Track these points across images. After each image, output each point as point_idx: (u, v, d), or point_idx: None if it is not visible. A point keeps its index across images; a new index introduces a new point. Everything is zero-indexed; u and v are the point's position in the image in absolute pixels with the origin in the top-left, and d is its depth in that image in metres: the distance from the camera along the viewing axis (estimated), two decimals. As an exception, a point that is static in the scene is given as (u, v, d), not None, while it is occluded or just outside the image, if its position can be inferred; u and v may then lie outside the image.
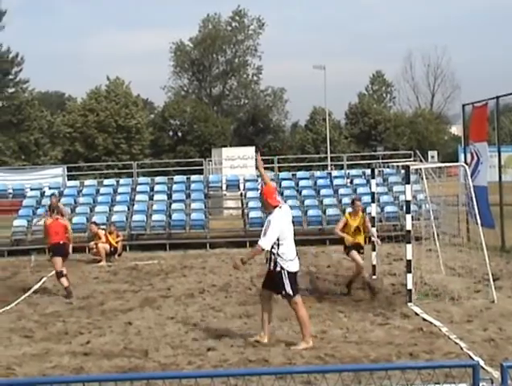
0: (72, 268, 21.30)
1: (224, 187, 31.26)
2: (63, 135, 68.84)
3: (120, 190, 29.82)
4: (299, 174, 31.58)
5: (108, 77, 72.17)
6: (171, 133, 77.30)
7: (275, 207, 11.55)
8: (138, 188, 29.90)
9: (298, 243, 22.60)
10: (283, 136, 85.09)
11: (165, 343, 11.90)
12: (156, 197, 29.16)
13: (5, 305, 15.80)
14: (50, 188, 30.22)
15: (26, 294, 17.17)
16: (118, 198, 28.98)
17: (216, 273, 19.52)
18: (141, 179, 31.68)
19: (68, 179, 32.97)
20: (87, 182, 32.53)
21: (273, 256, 11.42)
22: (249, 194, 29.18)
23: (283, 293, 11.49)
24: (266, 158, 42.23)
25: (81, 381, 5.48)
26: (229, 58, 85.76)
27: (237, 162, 37.51)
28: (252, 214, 27.48)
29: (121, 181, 31.61)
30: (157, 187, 29.97)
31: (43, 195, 29.38)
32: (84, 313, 14.76)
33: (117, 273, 20.29)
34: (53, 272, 20.23)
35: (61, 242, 17.48)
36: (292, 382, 6.41)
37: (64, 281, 17.04)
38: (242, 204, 29.36)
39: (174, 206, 28.18)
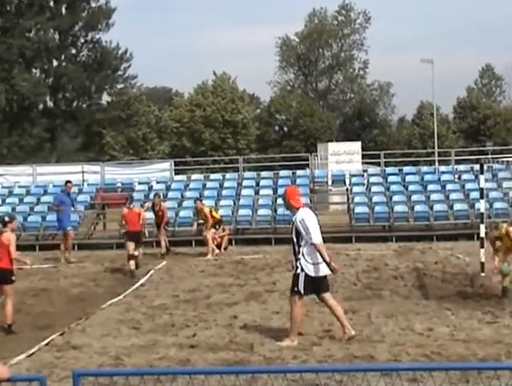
0: (178, 262, 21.65)
1: (329, 182, 31.15)
2: (170, 130, 69.89)
3: (226, 184, 30.09)
4: (406, 169, 31.17)
5: (214, 72, 72.89)
6: (276, 128, 77.49)
7: (298, 208, 11.62)
8: (244, 183, 30.10)
9: (403, 238, 22.21)
10: (390, 131, 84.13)
11: (270, 337, 11.92)
12: (262, 192, 29.29)
13: (114, 296, 16.16)
14: (157, 182, 30.76)
15: (134, 287, 17.50)
16: (224, 192, 29.24)
17: (321, 268, 19.42)
18: (247, 174, 31.89)
19: (175, 174, 33.45)
20: (194, 176, 32.97)
21: (298, 259, 11.42)
22: (355, 189, 28.99)
23: (295, 289, 11.46)
24: (372, 152, 41.93)
25: (188, 373, 5.52)
26: (335, 52, 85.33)
27: (343, 157, 37.31)
28: (358, 209, 27.29)
29: (228, 175, 31.89)
30: (263, 182, 30.10)
31: (150, 188, 29.91)
32: (190, 306, 14.92)
33: (223, 267, 20.44)
34: (160, 265, 20.60)
35: (136, 230, 20.08)
36: (398, 379, 6.32)
37: (132, 263, 19.64)
38: (348, 199, 29.18)
39: (279, 201, 28.21)
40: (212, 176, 31.97)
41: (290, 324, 11.71)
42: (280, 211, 27.34)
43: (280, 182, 29.88)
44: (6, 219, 13.92)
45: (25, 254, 23.92)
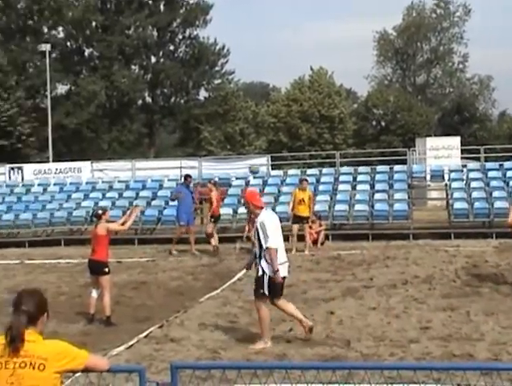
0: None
1: (428, 178, 30.70)
2: (267, 125, 70.09)
3: (323, 179, 29.98)
4: (507, 164, 30.40)
5: (311, 67, 72.72)
6: (374, 123, 76.83)
7: (261, 208, 11.57)
8: (341, 178, 29.94)
9: (504, 235, 21.63)
10: (490, 125, 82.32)
11: (367, 334, 11.83)
12: (359, 187, 29.07)
13: (211, 290, 16.31)
14: (254, 177, 30.89)
15: (231, 281, 17.63)
16: (321, 187, 29.14)
17: (419, 265, 19.17)
18: (344, 169, 31.71)
19: (272, 169, 33.51)
20: (290, 171, 32.93)
21: (260, 261, 11.24)
22: (454, 184, 28.49)
23: (261, 291, 11.28)
24: (472, 147, 41.06)
25: (284, 368, 5.51)
26: (434, 46, 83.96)
27: (442, 152, 36.62)
28: (457, 205, 26.81)
29: (324, 170, 31.78)
30: (359, 177, 29.88)
31: (247, 184, 30.05)
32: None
33: (319, 263, 20.40)
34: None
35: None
36: (498, 379, 6.18)
37: (212, 240, 23.04)
38: (447, 195, 28.69)
39: (376, 196, 27.99)
40: (309, 171, 31.89)
41: (260, 327, 11.51)
42: (377, 206, 27.10)
43: (378, 177, 29.61)
44: (100, 211, 14.25)
45: (124, 248, 24.55)
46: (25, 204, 30.56)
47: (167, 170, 31.46)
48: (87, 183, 32.14)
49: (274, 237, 11.22)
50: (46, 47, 54.55)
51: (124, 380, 5.19)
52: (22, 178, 33.32)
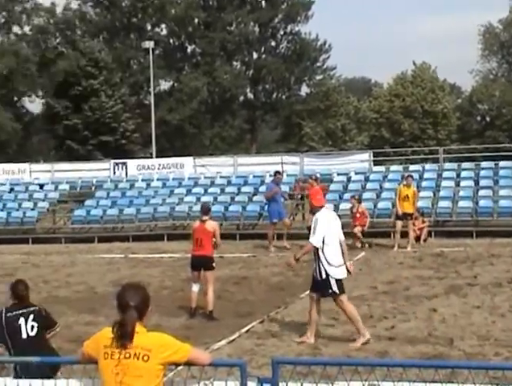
0: (377, 253, 21.55)
1: (535, 174, 29.91)
2: (369, 121, 69.55)
3: (426, 175, 29.57)
4: None
5: (414, 62, 71.73)
6: (478, 118, 75.25)
7: (320, 207, 11.58)
8: (445, 174, 29.47)
9: None
10: None
11: (471, 332, 11.61)
12: (463, 183, 28.54)
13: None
14: (356, 173, 30.69)
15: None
16: (424, 183, 28.72)
17: (525, 263, 18.71)
18: (447, 165, 31.22)
19: (374, 165, 33.22)
20: (392, 167, 32.60)
21: (320, 263, 11.22)
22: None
23: (330, 292, 11.29)
24: None
25: (386, 365, 5.44)
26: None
27: (550, 147, 35.66)
28: None
29: (427, 166, 31.36)
30: (463, 173, 29.34)
31: (349, 180, 29.90)
32: (388, 297, 14.80)
33: (422, 259, 20.14)
34: (359, 256, 20.61)
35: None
36: None
37: None
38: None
39: (481, 192, 27.41)
40: (412, 167, 31.45)
41: (353, 324, 11.47)
42: (482, 203, 26.54)
43: (482, 173, 29.01)
44: (208, 206, 14.41)
45: (226, 243, 24.78)
46: (129, 199, 31.18)
47: (268, 166, 31.53)
48: (189, 179, 32.57)
49: (320, 236, 11.23)
50: (149, 44, 55.46)
51: (225, 374, 5.21)
52: (126, 174, 34.00)
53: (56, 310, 10.17)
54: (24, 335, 7.59)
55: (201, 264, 13.82)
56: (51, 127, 61.17)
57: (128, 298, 5.13)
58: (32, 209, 31.20)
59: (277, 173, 24.85)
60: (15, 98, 66.44)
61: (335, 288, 11.29)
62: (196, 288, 13.89)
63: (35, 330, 7.66)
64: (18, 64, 60.54)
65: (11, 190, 33.39)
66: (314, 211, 11.80)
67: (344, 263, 11.42)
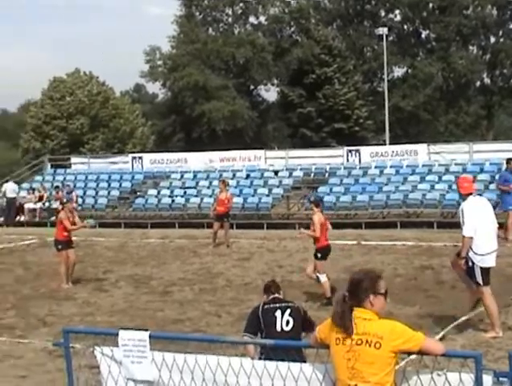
0: None
1: None
2: None
3: None
4: None
5: None
6: None
7: (467, 194, 11.25)
8: None
9: None
10: None
11: None
12: None
13: None
14: None
15: None
16: None
17: None
18: None
19: None
20: None
21: (468, 251, 10.71)
22: None
23: (474, 280, 10.83)
24: None
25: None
26: None
27: None
28: None
29: None
30: None
31: None
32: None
33: None
34: None
35: None
36: None
37: None
38: None
39: None
40: None
41: (488, 317, 11.05)
42: None
43: None
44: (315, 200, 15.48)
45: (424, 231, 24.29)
46: (362, 186, 31.19)
47: (506, 153, 30.39)
48: (423, 166, 32.05)
49: (472, 225, 10.84)
50: (383, 31, 55.22)
51: (459, 365, 5.07)
52: (360, 161, 34.02)
53: (290, 295, 10.36)
54: (278, 328, 7.72)
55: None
56: (286, 115, 62.53)
57: (351, 285, 5.19)
58: (267, 195, 32.02)
59: (510, 160, 23.65)
60: (251, 87, 68.46)
61: (479, 278, 10.92)
62: (326, 277, 14.43)
63: (291, 325, 7.77)
64: (254, 54, 62.31)
65: (247, 176, 34.43)
66: (463, 198, 11.42)
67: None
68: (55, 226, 18.18)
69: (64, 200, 22.84)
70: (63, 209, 18.35)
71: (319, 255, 14.45)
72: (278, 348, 6.09)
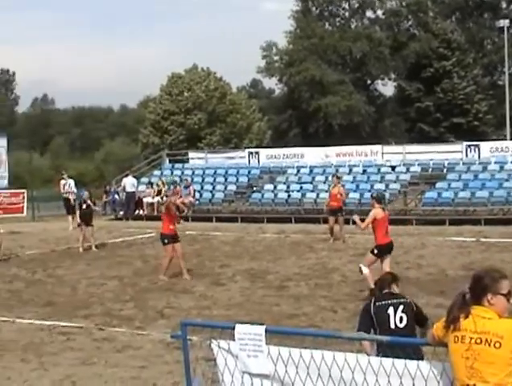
0: None
1: None
2: None
3: None
4: None
5: None
6: None
7: None
8: None
9: None
10: None
11: None
12: None
13: None
14: None
15: None
16: None
17: None
18: None
19: None
20: None
21: None
22: None
23: None
24: None
25: None
26: None
27: None
28: None
29: None
30: None
31: None
32: None
33: None
34: None
35: None
36: None
37: None
38: None
39: None
40: None
41: None
42: None
43: None
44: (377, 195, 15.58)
45: None
46: (481, 182, 30.58)
47: None
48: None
49: None
50: (504, 23, 53.83)
51: None
52: (479, 156, 33.33)
53: (407, 291, 10.22)
54: (392, 326, 7.53)
55: (391, 249, 15.03)
56: (403, 109, 61.82)
57: (472, 282, 5.14)
58: (384, 190, 31.72)
59: None
60: (368, 81, 67.97)
61: None
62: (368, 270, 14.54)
63: (404, 321, 7.57)
64: (371, 48, 61.81)
65: (364, 171, 34.24)
66: None
67: None
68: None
69: (180, 195, 23.26)
70: (164, 203, 18.68)
71: (375, 251, 14.68)
72: (395, 345, 6.01)
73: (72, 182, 32.12)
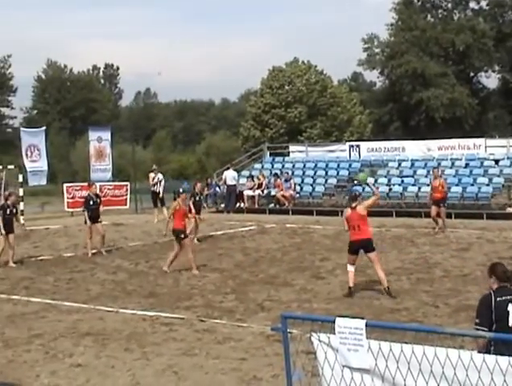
0: None
1: None
2: None
3: None
4: None
5: None
6: None
7: None
8: None
9: None
10: None
11: None
12: None
13: None
14: None
15: None
16: None
17: None
18: None
19: None
20: None
21: None
22: None
23: None
24: None
25: None
26: None
27: None
28: None
29: None
30: None
31: None
32: None
33: None
34: None
35: None
36: None
37: None
38: None
39: None
40: None
41: None
42: None
43: None
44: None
45: None
46: None
47: None
48: None
49: None
50: None
51: None
52: None
53: None
54: (511, 323, 7.14)
55: (362, 247, 14.98)
56: (508, 102, 60.44)
57: None
58: (487, 185, 31.10)
59: None
60: (471, 74, 66.68)
61: None
62: (352, 268, 14.94)
63: None
64: (474, 40, 60.63)
65: (466, 165, 33.60)
66: None
67: None
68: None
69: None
70: (175, 199, 18.72)
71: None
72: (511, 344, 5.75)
73: (160, 175, 32.49)
